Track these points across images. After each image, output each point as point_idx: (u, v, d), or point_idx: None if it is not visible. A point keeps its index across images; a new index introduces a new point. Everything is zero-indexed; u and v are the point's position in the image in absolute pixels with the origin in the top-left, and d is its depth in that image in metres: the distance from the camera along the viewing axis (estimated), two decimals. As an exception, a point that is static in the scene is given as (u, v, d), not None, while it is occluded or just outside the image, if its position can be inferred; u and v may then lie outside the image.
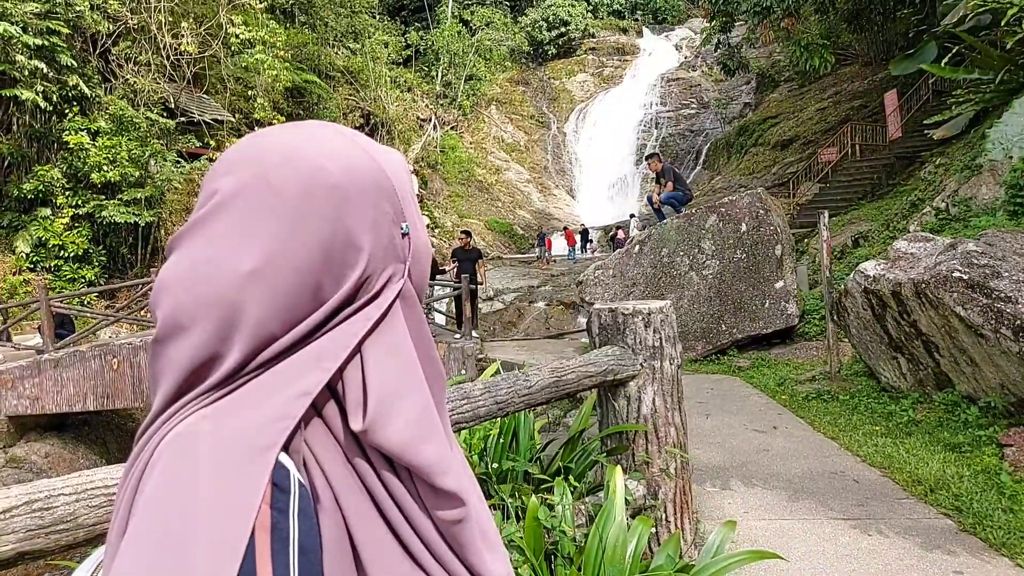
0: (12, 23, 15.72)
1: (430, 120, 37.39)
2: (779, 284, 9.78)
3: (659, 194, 11.09)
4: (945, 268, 5.46)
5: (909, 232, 9.46)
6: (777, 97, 29.43)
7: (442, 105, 39.66)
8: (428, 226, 28.53)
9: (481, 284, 12.25)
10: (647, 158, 11.54)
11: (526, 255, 29.38)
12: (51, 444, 10.28)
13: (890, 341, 6.47)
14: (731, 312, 9.84)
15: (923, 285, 5.64)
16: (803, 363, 9.00)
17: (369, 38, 35.17)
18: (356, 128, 30.48)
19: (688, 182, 12.12)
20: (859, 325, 6.86)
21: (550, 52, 46.08)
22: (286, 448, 0.53)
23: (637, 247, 10.48)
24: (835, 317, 7.39)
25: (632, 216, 29.35)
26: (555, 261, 25.99)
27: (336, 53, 33.03)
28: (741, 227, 9.99)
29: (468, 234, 12.68)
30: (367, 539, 0.56)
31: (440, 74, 39.99)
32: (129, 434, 12.02)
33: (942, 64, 13.20)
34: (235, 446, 0.50)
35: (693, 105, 38.50)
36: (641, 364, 3.36)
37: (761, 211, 9.98)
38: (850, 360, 8.07)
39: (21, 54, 15.96)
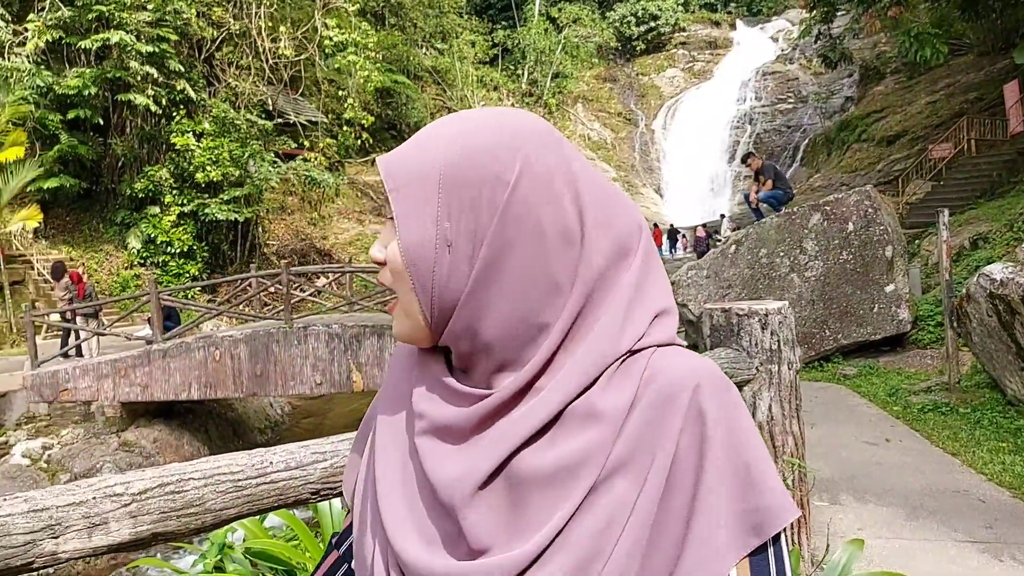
0: (127, 31, 16.72)
1: (515, 119, 37.49)
2: (889, 288, 9.20)
3: (756, 192, 10.66)
4: (1092, 270, 4.96)
5: (1038, 232, 8.72)
6: (883, 90, 27.88)
7: (528, 103, 39.72)
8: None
9: None
10: (744, 159, 11.12)
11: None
12: (159, 430, 10.84)
13: (1018, 350, 5.96)
14: (836, 317, 9.34)
15: (1064, 289, 5.14)
16: (916, 372, 8.44)
17: (456, 38, 35.65)
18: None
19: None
20: (983, 333, 6.35)
21: (638, 48, 45.32)
22: None
23: (733, 247, 10.09)
24: (955, 324, 6.87)
25: (723, 216, 28.46)
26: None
27: (424, 53, 33.65)
28: (848, 226, 9.46)
29: None
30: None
31: (526, 72, 40.08)
32: (228, 422, 12.56)
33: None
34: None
35: (790, 100, 37.00)
36: (757, 368, 3.16)
37: (870, 210, 9.42)
38: (970, 370, 7.50)
39: (135, 60, 16.97)
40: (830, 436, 6.07)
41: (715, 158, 36.57)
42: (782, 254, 9.69)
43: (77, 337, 11.12)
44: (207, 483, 1.44)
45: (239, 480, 1.47)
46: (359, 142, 21.21)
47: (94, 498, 1.34)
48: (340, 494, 1.67)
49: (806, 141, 32.36)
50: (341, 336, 10.57)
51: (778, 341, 3.16)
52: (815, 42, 26.57)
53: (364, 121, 19.78)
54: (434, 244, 0.58)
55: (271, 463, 1.52)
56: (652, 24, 45.11)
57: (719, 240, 15.74)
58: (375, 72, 19.84)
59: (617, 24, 44.57)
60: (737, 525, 0.55)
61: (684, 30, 45.92)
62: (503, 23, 41.93)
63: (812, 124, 34.24)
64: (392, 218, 0.61)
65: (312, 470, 1.54)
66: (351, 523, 0.72)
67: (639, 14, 44.89)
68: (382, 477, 0.63)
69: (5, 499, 1.32)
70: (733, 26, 47.23)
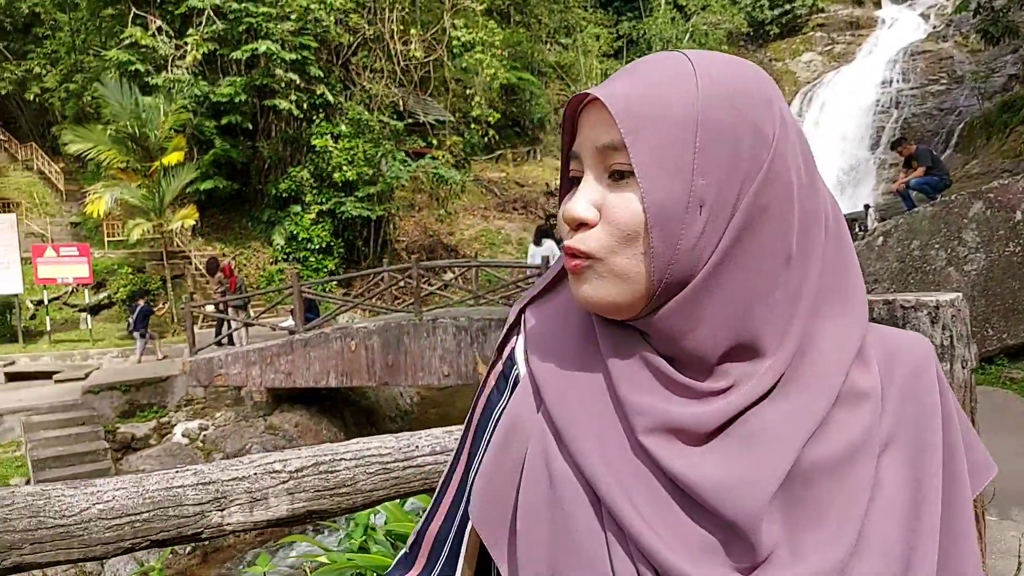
0: (273, 41, 17.88)
1: (639, 112, 36.88)
2: (1067, 282, 8.19)
3: (905, 178, 9.85)
4: None
5: None
6: (1054, 65, 24.98)
7: (652, 95, 38.92)
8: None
9: None
10: (895, 144, 10.30)
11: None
12: (300, 415, 11.52)
13: None
14: (1000, 314, 8.44)
15: None
16: (1100, 377, 7.47)
17: (581, 32, 35.49)
18: (566, 123, 31.25)
19: (942, 166, 10.62)
20: None
21: (772, 32, 43.17)
22: None
23: (880, 239, 9.36)
24: None
25: (867, 207, 26.53)
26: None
27: (548, 49, 33.72)
28: (1015, 216, 8.52)
29: None
30: None
31: (651, 64, 39.28)
32: (362, 410, 13.16)
33: None
34: None
35: (943, 80, 33.86)
36: (925, 365, 2.86)
37: (1043, 196, 8.43)
38: None
39: (280, 68, 18.12)
40: (997, 446, 5.44)
41: (856, 145, 34.16)
42: (937, 246, 8.88)
43: (229, 327, 12.02)
44: (358, 464, 1.46)
45: (387, 463, 1.49)
46: (485, 140, 21.57)
47: (255, 474, 1.39)
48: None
49: (961, 125, 29.55)
50: (468, 329, 10.77)
51: (951, 336, 2.85)
52: (973, 16, 24.17)
53: (490, 118, 20.09)
54: (685, 203, 0.51)
55: (417, 447, 1.53)
56: (787, 7, 42.81)
57: (862, 231, 14.67)
58: (501, 70, 20.10)
59: (749, 9, 42.65)
60: None
61: (823, 11, 43.21)
62: (628, 14, 41.24)
63: (968, 106, 31.22)
64: (612, 171, 0.54)
65: (456, 456, 1.53)
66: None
67: (772, -3, 42.73)
68: (599, 478, 0.53)
69: (176, 471, 1.39)
70: (878, 4, 44.00)
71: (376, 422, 13.27)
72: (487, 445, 0.62)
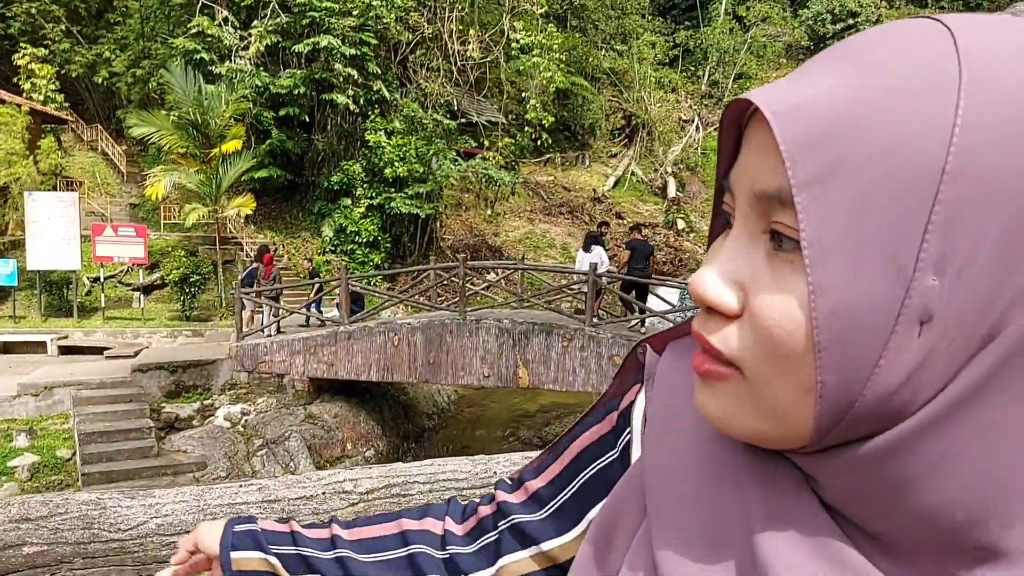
0: (334, 36, 18.08)
1: (692, 121, 36.37)
2: None
3: None
4: None
5: None
6: None
7: (707, 105, 38.35)
8: (684, 230, 27.69)
9: None
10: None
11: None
12: (339, 406, 11.56)
13: None
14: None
15: None
16: None
17: (637, 39, 35.19)
18: (617, 130, 30.35)
19: None
20: None
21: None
22: None
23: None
24: None
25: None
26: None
27: (603, 55, 33.50)
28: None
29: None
30: None
31: (707, 73, 38.72)
32: (400, 405, 13.15)
33: None
34: None
35: None
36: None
37: None
38: None
39: (339, 63, 18.32)
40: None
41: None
42: None
43: (276, 315, 12.12)
44: (432, 488, 1.36)
45: (463, 488, 1.39)
46: (536, 143, 21.48)
47: (323, 493, 1.28)
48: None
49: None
50: (511, 332, 10.65)
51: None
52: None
53: (545, 121, 19.99)
54: (895, 313, 0.30)
55: (495, 473, 1.41)
56: (850, 21, 41.74)
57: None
58: (558, 73, 19.99)
59: (810, 22, 41.75)
60: None
61: (889, 26, 42.14)
62: (686, 23, 40.75)
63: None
64: (772, 230, 0.34)
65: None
66: None
67: (836, 11, 41.70)
68: None
69: (241, 485, 1.29)
70: (948, 19, 42.67)
71: (413, 419, 13.26)
72: (579, 490, 0.55)
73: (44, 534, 1.13)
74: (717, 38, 37.58)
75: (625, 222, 26.36)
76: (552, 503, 0.57)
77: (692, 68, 39.46)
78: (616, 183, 30.46)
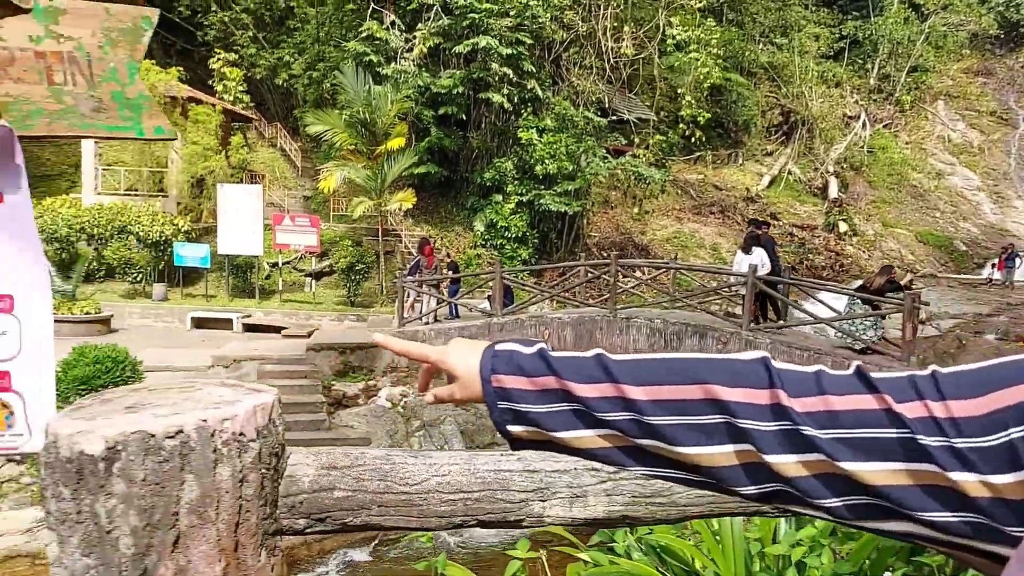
0: (492, 36, 18.62)
1: (859, 117, 33.97)
2: None
3: None
4: None
5: None
6: None
7: (875, 101, 35.70)
8: (846, 233, 25.96)
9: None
10: None
11: (971, 276, 24.69)
12: (489, 395, 11.95)
13: None
14: None
15: None
16: None
17: (799, 31, 33.37)
18: (774, 127, 28.93)
19: None
20: None
21: (1029, 34, 37.85)
22: None
23: None
24: None
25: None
26: (1012, 286, 21.33)
27: (760, 49, 32.07)
28: None
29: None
30: None
31: (876, 66, 35.99)
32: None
33: None
34: None
35: None
36: None
37: None
38: None
39: (495, 62, 18.84)
40: None
41: None
42: None
43: (440, 302, 12.73)
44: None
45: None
46: (690, 140, 20.99)
47: (576, 468, 1.39)
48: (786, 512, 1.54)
49: None
50: (662, 331, 10.55)
51: None
52: None
53: (700, 118, 19.50)
54: None
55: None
56: (1052, 5, 37.27)
57: None
58: (716, 69, 19.41)
59: (1001, 8, 37.66)
60: None
61: (1099, 9, 37.09)
62: (854, 13, 38.04)
63: None
64: None
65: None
66: None
67: (1035, -7, 37.36)
68: None
69: (501, 455, 1.43)
70: None
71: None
72: None
73: (349, 481, 1.30)
74: (890, 28, 34.85)
75: (782, 223, 25.17)
76: (976, 440, 0.50)
77: (860, 61, 36.84)
78: (771, 182, 29.12)
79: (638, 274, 15.63)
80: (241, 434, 1.18)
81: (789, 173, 29.92)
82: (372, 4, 19.88)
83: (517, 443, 0.72)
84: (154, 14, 2.17)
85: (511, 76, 19.25)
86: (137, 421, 1.11)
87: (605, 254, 21.09)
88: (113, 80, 2.03)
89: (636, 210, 23.08)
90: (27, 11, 1.13)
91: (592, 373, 0.66)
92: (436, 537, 8.54)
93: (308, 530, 1.31)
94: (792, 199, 28.57)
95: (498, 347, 0.73)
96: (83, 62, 2.00)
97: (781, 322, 10.72)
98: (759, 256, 10.13)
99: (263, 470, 1.21)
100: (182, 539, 1.12)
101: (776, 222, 23.88)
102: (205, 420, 1.13)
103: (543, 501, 1.36)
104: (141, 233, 16.24)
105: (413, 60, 19.00)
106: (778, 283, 10.38)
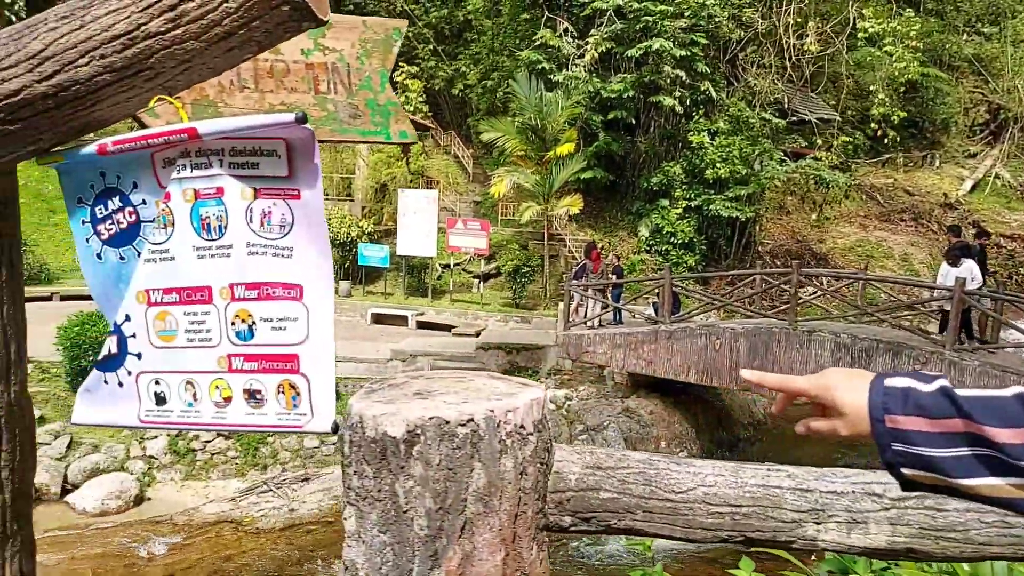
0: (665, 38, 18.26)
1: (1086, 114, 29.59)
2: None
3: None
4: None
5: None
6: None
7: (1107, 94, 30.94)
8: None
9: None
10: None
11: None
12: (655, 403, 11.72)
13: None
14: None
15: None
16: None
17: (1013, 18, 29.70)
18: (979, 125, 25.99)
19: None
20: None
21: None
22: None
23: None
24: None
25: None
26: None
27: (964, 40, 28.88)
28: None
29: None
30: None
31: (1111, 55, 31.17)
32: (715, 410, 12.89)
33: None
34: None
35: None
36: None
37: None
38: None
39: (668, 65, 18.46)
40: None
41: None
42: None
43: (605, 307, 12.68)
44: (969, 507, 1.28)
45: (1007, 515, 1.29)
46: (880, 141, 19.35)
47: (854, 491, 1.28)
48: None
49: None
50: (849, 347, 9.78)
51: None
52: None
53: (894, 117, 17.93)
54: None
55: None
56: None
57: None
58: (914, 63, 17.74)
59: None
60: None
61: None
62: (1084, -6, 33.19)
63: None
64: None
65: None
66: None
67: None
68: None
69: (769, 469, 1.36)
70: None
71: (728, 427, 12.91)
72: None
73: (614, 483, 1.28)
74: None
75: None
76: None
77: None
78: (974, 187, 26.13)
79: (816, 284, 14.64)
80: (521, 427, 1.20)
81: (997, 177, 26.70)
82: (546, 13, 20.22)
83: (909, 486, 0.69)
84: (403, 25, 2.32)
85: (683, 78, 18.78)
86: (432, 407, 1.16)
87: (779, 262, 19.98)
88: (367, 88, 2.19)
89: (815, 216, 21.64)
90: (324, 23, 1.23)
91: (1018, 415, 0.61)
92: (604, 540, 8.48)
93: (572, 528, 1.31)
94: (1000, 206, 25.45)
95: (888, 382, 0.68)
96: (343, 72, 2.17)
97: (991, 344, 9.56)
98: (968, 269, 9.10)
99: (539, 464, 1.23)
100: (468, 525, 1.16)
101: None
102: (492, 411, 1.17)
103: (818, 524, 1.27)
104: (331, 234, 17.65)
105: (584, 66, 19.08)
106: (991, 298, 9.27)
